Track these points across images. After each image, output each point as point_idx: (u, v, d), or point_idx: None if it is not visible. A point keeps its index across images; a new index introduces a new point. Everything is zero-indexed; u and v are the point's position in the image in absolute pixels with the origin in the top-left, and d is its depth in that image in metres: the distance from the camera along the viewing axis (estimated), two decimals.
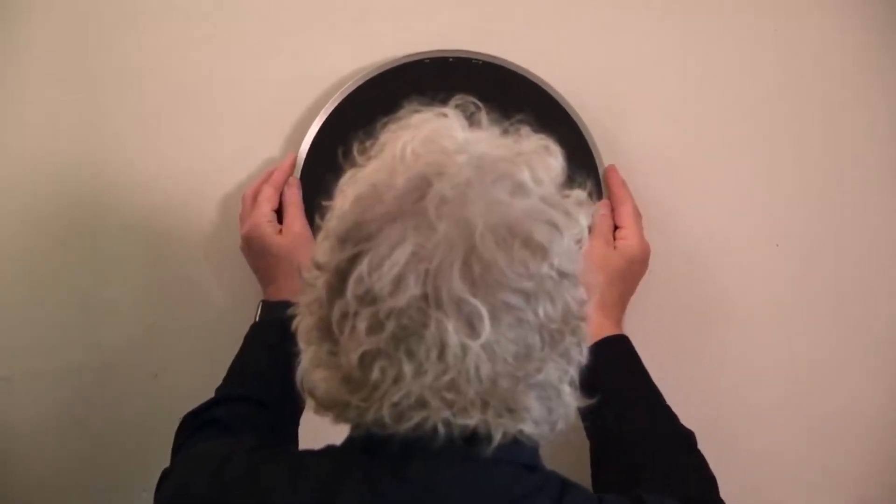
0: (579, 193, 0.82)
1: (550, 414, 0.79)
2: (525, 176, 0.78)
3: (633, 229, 1.21)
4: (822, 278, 1.29)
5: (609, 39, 1.29)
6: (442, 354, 0.73)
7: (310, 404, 0.82)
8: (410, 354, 0.74)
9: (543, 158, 0.81)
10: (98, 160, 1.27)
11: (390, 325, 0.74)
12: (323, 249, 0.79)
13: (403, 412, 0.75)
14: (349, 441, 0.83)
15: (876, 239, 1.29)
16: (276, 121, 1.27)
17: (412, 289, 0.73)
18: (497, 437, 0.77)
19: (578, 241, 0.80)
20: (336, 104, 1.25)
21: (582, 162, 1.24)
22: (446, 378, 0.74)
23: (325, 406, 0.80)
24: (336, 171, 1.25)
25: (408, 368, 0.74)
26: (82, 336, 1.27)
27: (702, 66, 1.29)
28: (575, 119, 1.25)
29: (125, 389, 1.28)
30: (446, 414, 0.75)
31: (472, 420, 0.75)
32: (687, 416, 1.27)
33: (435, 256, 0.73)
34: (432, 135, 0.80)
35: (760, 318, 1.29)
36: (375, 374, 0.75)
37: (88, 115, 1.27)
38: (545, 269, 0.76)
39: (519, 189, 0.78)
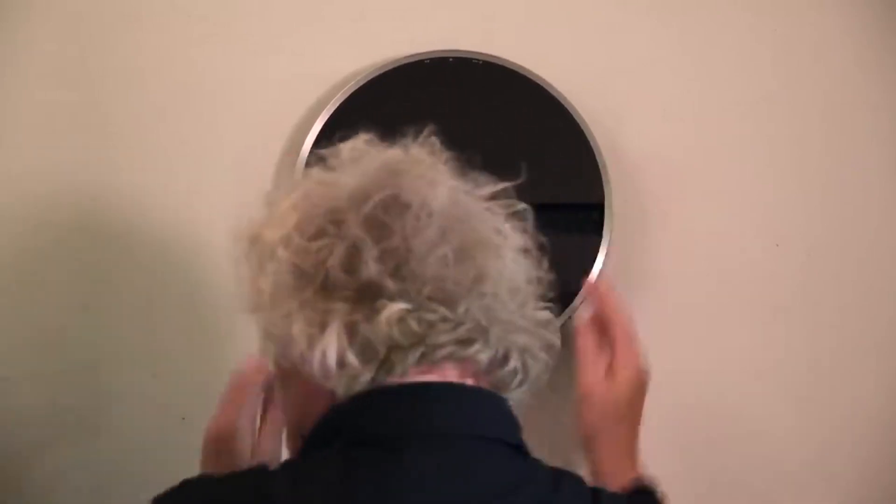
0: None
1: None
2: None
3: (630, 354, 1.05)
4: (822, 278, 1.29)
5: (609, 39, 1.29)
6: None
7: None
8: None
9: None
10: (98, 160, 1.26)
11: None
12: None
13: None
14: (340, 434, 0.81)
15: (876, 238, 1.29)
16: (277, 121, 1.27)
17: None
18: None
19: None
20: (337, 105, 1.25)
21: (582, 162, 1.24)
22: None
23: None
24: None
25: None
26: (82, 336, 1.27)
27: (702, 65, 1.29)
28: (576, 119, 1.25)
29: (124, 389, 1.28)
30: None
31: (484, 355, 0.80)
32: (686, 417, 1.27)
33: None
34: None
35: (760, 318, 1.29)
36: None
37: (88, 115, 1.27)
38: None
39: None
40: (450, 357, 0.81)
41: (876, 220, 1.29)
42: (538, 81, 1.25)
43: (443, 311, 0.79)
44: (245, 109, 1.27)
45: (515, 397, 0.85)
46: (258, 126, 1.27)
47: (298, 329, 0.79)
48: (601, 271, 1.23)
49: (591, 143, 1.25)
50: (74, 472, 1.28)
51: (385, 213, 0.80)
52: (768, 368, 1.28)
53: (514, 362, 0.84)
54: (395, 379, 0.80)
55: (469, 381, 0.82)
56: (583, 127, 1.25)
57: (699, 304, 1.28)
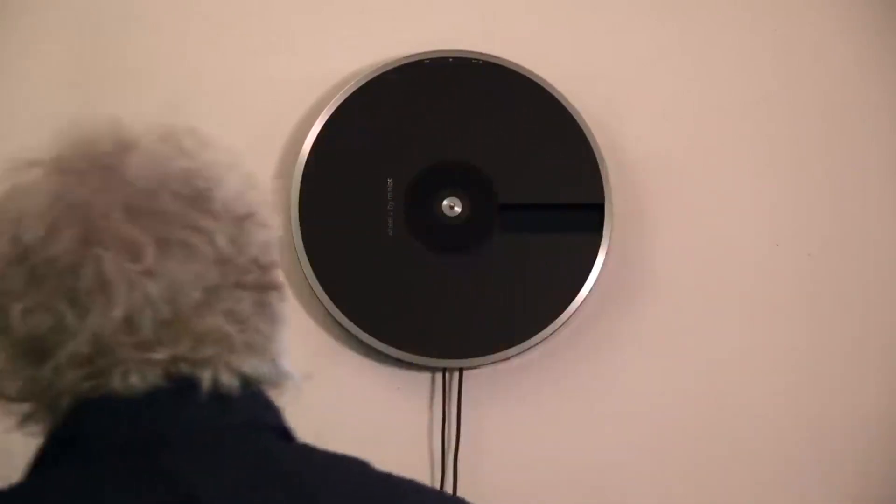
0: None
1: (253, 348, 0.71)
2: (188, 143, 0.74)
3: None
4: (822, 278, 1.29)
5: (609, 40, 1.29)
6: (105, 288, 0.68)
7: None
8: (73, 299, 0.68)
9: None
10: None
11: (48, 274, 0.69)
12: None
13: (91, 366, 0.69)
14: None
15: (876, 238, 1.29)
16: (278, 121, 1.27)
17: (67, 234, 0.68)
18: (205, 376, 0.69)
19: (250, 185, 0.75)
20: (337, 105, 1.25)
21: (582, 162, 1.24)
22: (116, 314, 0.68)
23: (22, 397, 0.73)
24: (338, 172, 1.26)
25: (72, 314, 0.68)
26: None
27: (702, 65, 1.29)
28: (576, 119, 1.25)
29: None
30: (136, 356, 0.68)
31: (162, 355, 0.68)
32: (687, 416, 1.27)
33: (90, 203, 0.69)
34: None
35: (760, 318, 1.29)
36: (43, 330, 0.69)
37: (88, 114, 1.26)
38: (215, 206, 0.72)
39: (181, 153, 0.73)
40: None
41: (876, 219, 1.29)
42: (538, 81, 1.25)
43: None
44: (245, 109, 1.27)
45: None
46: (258, 126, 1.27)
47: None
48: (601, 271, 1.23)
49: (591, 143, 1.25)
50: None
51: None
52: (768, 368, 1.28)
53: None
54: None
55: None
56: (583, 127, 1.25)
57: (699, 303, 1.28)
